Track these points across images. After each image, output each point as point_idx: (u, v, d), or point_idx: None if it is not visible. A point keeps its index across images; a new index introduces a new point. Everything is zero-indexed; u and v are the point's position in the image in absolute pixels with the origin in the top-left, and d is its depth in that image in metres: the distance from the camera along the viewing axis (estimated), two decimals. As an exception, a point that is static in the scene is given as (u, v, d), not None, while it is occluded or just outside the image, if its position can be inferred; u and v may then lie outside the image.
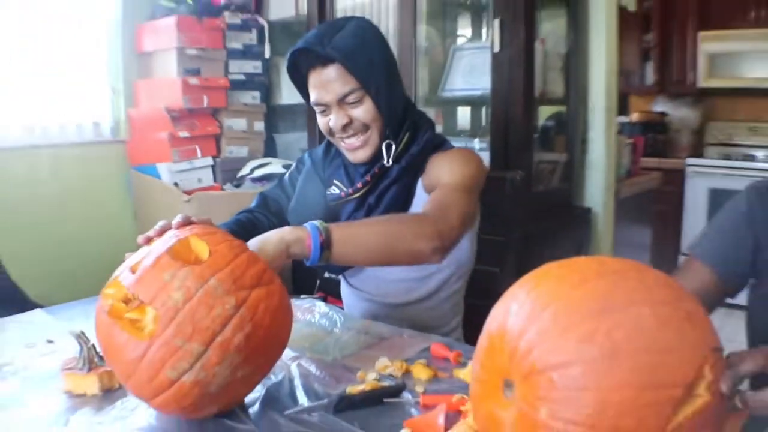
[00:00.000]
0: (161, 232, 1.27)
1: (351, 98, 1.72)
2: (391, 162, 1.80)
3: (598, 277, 0.88)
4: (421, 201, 1.77)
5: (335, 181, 1.89)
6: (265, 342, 1.15)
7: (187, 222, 1.28)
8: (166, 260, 1.13)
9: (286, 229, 1.42)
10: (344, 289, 2.03)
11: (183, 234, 1.19)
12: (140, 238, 1.29)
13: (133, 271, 1.14)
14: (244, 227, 1.80)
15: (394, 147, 1.79)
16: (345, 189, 1.84)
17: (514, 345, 0.86)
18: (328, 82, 1.71)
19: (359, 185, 1.82)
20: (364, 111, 1.74)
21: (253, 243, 1.36)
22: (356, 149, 1.79)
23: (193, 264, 1.13)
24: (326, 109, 1.75)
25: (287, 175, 2.06)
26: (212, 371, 1.07)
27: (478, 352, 0.94)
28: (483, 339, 0.94)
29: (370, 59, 1.72)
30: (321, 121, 1.79)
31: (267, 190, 2.04)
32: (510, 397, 0.87)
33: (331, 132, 1.78)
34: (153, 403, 1.11)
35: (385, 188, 1.80)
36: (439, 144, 1.86)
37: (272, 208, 1.95)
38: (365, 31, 1.76)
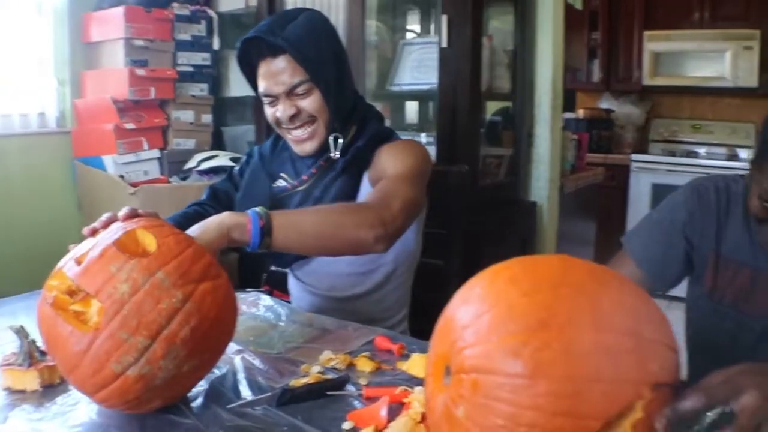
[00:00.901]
0: (107, 224, 1.26)
1: (300, 89, 1.72)
2: (338, 154, 1.80)
3: (549, 288, 0.85)
4: (367, 193, 1.77)
5: (282, 174, 1.90)
6: (211, 336, 1.15)
7: (133, 214, 1.27)
8: (113, 252, 1.12)
9: (226, 214, 1.43)
10: (291, 282, 2.01)
11: (130, 226, 1.18)
12: (85, 230, 1.28)
13: (78, 262, 1.13)
14: (192, 220, 1.74)
15: (341, 140, 1.80)
16: (291, 181, 1.85)
17: (456, 337, 0.87)
18: (278, 72, 1.72)
19: (305, 177, 1.82)
20: (311, 102, 1.74)
21: (195, 228, 1.36)
22: (303, 141, 1.79)
23: (140, 257, 1.12)
24: (274, 100, 1.76)
25: (237, 168, 2.06)
26: (157, 365, 1.06)
27: (436, 328, 0.94)
28: (441, 316, 0.94)
29: (319, 51, 1.73)
30: (268, 111, 1.80)
31: (217, 183, 2.04)
32: (446, 384, 0.88)
33: (278, 122, 1.79)
34: (96, 397, 1.10)
35: (331, 181, 1.80)
36: (386, 137, 1.87)
37: (222, 201, 1.95)
38: (317, 22, 1.76)
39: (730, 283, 1.50)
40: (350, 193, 1.81)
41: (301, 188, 1.83)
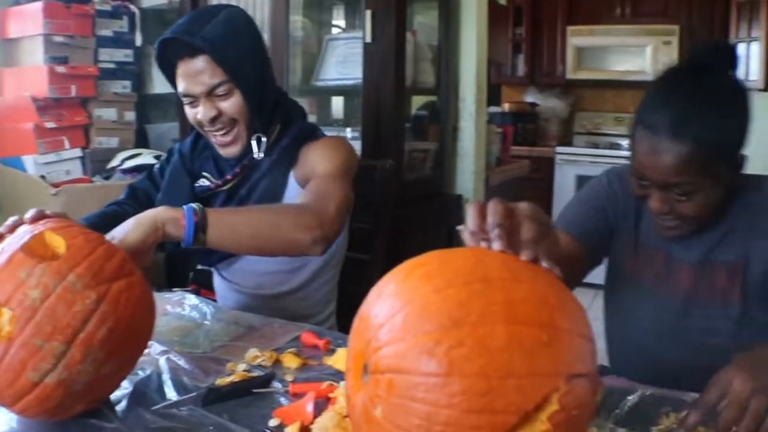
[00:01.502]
0: (13, 228, 1.21)
1: (220, 90, 1.69)
2: (261, 155, 1.78)
3: (462, 284, 0.84)
4: (293, 193, 1.77)
5: (204, 173, 1.87)
6: (129, 335, 1.12)
7: (40, 216, 1.23)
8: (20, 257, 1.08)
9: (161, 208, 1.42)
10: (217, 281, 1.99)
11: (37, 229, 1.14)
12: None
13: None
14: (111, 219, 1.72)
15: (264, 139, 1.78)
16: (215, 180, 1.83)
17: (371, 335, 0.86)
18: (197, 73, 1.68)
19: (229, 177, 1.80)
20: (232, 104, 1.71)
21: (128, 223, 1.36)
22: (227, 145, 1.77)
23: (49, 260, 1.08)
24: (194, 100, 1.72)
25: (157, 166, 2.02)
26: (76, 369, 1.04)
27: (353, 324, 0.93)
28: (358, 313, 0.93)
29: (240, 51, 1.69)
30: (189, 112, 1.75)
31: (136, 182, 2.00)
32: (364, 382, 0.87)
33: (200, 124, 1.75)
34: (14, 408, 1.07)
35: (257, 180, 1.79)
36: (310, 134, 1.85)
37: (141, 200, 1.91)
38: (237, 21, 1.72)
39: (647, 265, 1.56)
40: (276, 192, 1.79)
41: (225, 188, 1.81)
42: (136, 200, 1.92)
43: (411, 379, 0.80)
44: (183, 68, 1.69)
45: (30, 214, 1.23)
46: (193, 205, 1.41)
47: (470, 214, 0.96)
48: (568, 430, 0.81)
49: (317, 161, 1.76)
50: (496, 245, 0.91)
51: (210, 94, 1.69)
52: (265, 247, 1.55)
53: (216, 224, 1.43)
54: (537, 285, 0.86)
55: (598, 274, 1.68)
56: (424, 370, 0.79)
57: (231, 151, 1.78)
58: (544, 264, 0.91)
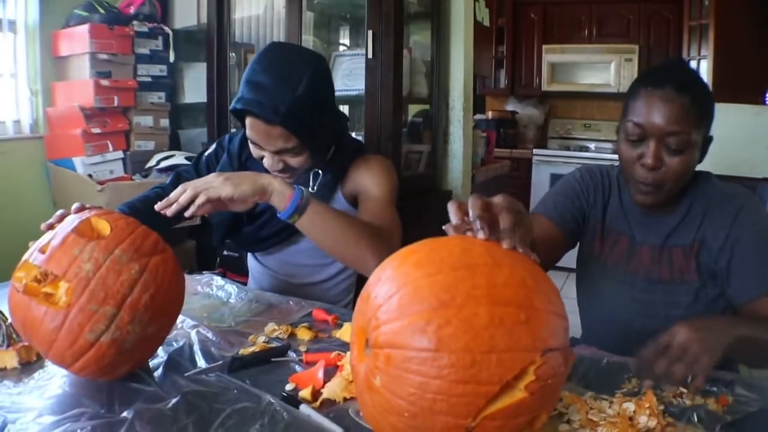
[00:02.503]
0: (61, 219, 1.22)
1: (291, 151, 1.56)
2: (315, 188, 1.69)
3: (449, 270, 0.84)
4: (339, 207, 1.68)
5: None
6: (166, 301, 1.15)
7: (82, 208, 1.24)
8: (73, 238, 1.11)
9: (278, 180, 1.43)
10: (252, 263, 1.95)
11: (84, 216, 1.17)
12: (43, 226, 1.25)
13: (42, 251, 1.11)
14: (152, 202, 1.57)
15: (320, 173, 1.70)
16: None
17: (372, 314, 0.86)
18: (270, 136, 1.52)
19: None
20: (299, 161, 1.59)
21: (248, 175, 1.42)
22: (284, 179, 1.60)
23: (97, 239, 1.11)
24: (263, 150, 1.58)
25: (205, 155, 1.90)
26: (126, 329, 1.07)
27: (357, 301, 0.93)
28: (362, 291, 0.92)
29: (314, 119, 1.53)
30: (255, 152, 1.61)
31: (182, 168, 1.91)
32: (367, 354, 0.87)
33: (261, 162, 1.62)
34: (73, 368, 1.08)
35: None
36: (357, 150, 1.77)
37: None
38: (319, 92, 1.53)
39: (612, 248, 1.57)
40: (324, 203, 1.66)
41: None
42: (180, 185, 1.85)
43: (405, 353, 0.80)
44: (255, 124, 1.53)
45: (74, 206, 1.24)
46: (303, 188, 1.41)
47: (452, 210, 0.96)
48: (543, 397, 0.82)
49: (371, 184, 1.68)
50: (480, 235, 0.90)
51: (280, 152, 1.56)
52: (338, 254, 1.52)
53: (313, 215, 1.42)
54: (516, 270, 0.86)
55: (569, 260, 1.68)
56: (417, 346, 0.80)
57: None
58: (521, 250, 0.91)
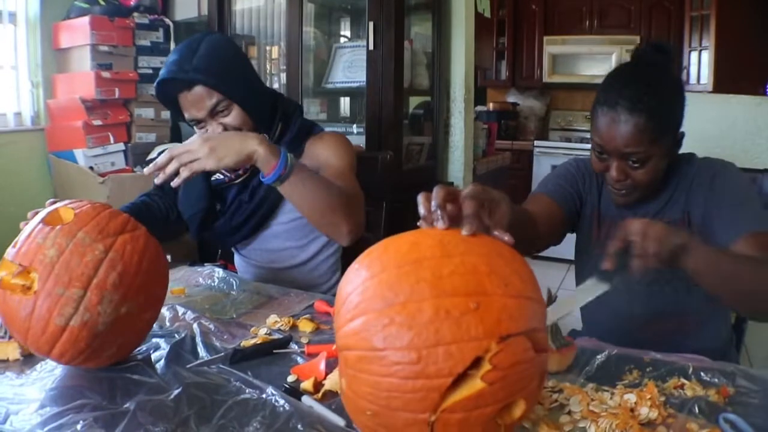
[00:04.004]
0: (35, 215, 1.22)
1: (220, 107, 1.66)
2: None
3: (394, 267, 0.83)
4: None
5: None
6: (140, 279, 1.13)
7: (54, 203, 1.24)
8: (39, 228, 1.11)
9: (266, 145, 1.48)
10: (237, 258, 2.00)
11: (53, 207, 1.17)
12: (22, 224, 1.25)
13: (14, 246, 1.12)
14: (140, 211, 1.79)
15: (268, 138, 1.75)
16: (228, 175, 1.81)
17: (336, 318, 0.87)
18: (197, 100, 1.65)
19: (241, 172, 1.79)
20: (234, 117, 1.68)
21: (234, 140, 1.47)
22: None
23: (61, 226, 1.11)
24: (202, 123, 1.69)
25: None
26: (96, 310, 1.06)
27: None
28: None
29: (227, 70, 1.66)
30: (199, 132, 1.72)
31: None
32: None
33: None
34: (53, 355, 1.08)
35: None
36: (311, 129, 1.84)
37: (167, 191, 1.90)
38: (219, 46, 1.69)
39: (608, 234, 1.58)
40: None
41: (237, 181, 1.80)
42: (163, 191, 1.90)
43: (358, 354, 0.81)
44: (184, 100, 1.66)
45: (48, 202, 1.25)
46: (290, 155, 1.45)
47: (420, 202, 0.95)
48: (506, 386, 0.80)
49: (329, 155, 1.75)
50: (440, 225, 0.90)
51: (213, 114, 1.67)
52: (314, 219, 1.59)
53: (295, 182, 1.48)
54: (467, 257, 0.84)
55: (570, 252, 1.70)
56: (365, 346, 0.80)
57: None
58: (496, 233, 0.91)
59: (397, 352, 0.78)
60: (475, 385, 0.78)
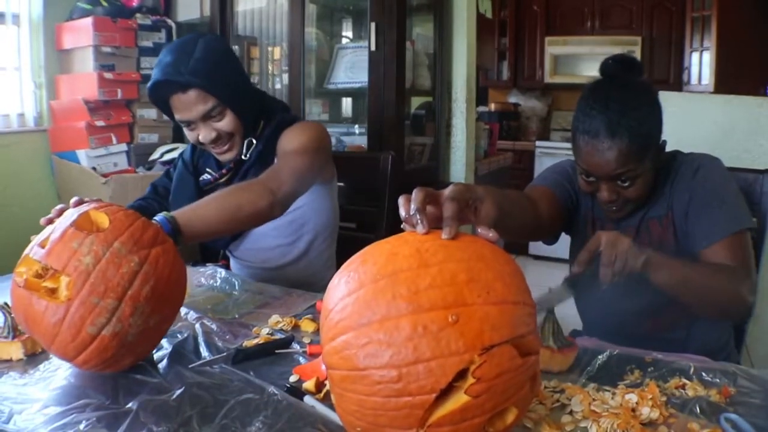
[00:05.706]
0: (60, 213, 1.23)
1: (214, 113, 1.68)
2: (249, 156, 1.78)
3: (371, 282, 0.81)
4: None
5: (207, 169, 1.87)
6: (168, 292, 1.14)
7: (81, 202, 1.24)
8: (72, 231, 1.10)
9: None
10: (231, 261, 2.01)
11: (83, 209, 1.16)
12: (42, 220, 1.26)
13: (42, 246, 1.10)
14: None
15: (254, 141, 1.79)
16: (214, 174, 1.83)
17: (321, 332, 0.87)
18: (191, 103, 1.65)
19: (224, 171, 1.81)
20: (227, 123, 1.71)
21: None
22: (224, 153, 1.78)
23: (96, 233, 1.10)
24: (193, 124, 1.70)
25: (171, 168, 2.02)
26: (128, 322, 1.06)
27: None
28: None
29: (224, 76, 1.67)
30: (190, 135, 1.75)
31: (156, 180, 2.02)
32: None
33: (201, 143, 1.75)
34: (76, 361, 1.08)
35: (247, 169, 1.79)
36: (290, 122, 1.84)
37: (161, 194, 1.94)
38: (214, 47, 1.69)
39: None
40: None
41: (222, 180, 1.81)
42: (158, 194, 1.94)
43: (341, 373, 0.81)
44: (176, 101, 1.66)
45: (73, 200, 1.25)
46: (164, 214, 1.36)
47: (400, 204, 0.94)
48: (493, 396, 0.78)
49: (286, 142, 1.76)
50: (419, 229, 0.89)
51: (205, 118, 1.68)
52: (235, 226, 1.58)
53: (187, 224, 1.38)
54: (446, 265, 0.81)
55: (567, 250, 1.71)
56: (348, 366, 0.80)
57: (228, 157, 1.79)
58: (480, 231, 0.91)
59: (378, 371, 0.77)
60: (460, 398, 0.77)
